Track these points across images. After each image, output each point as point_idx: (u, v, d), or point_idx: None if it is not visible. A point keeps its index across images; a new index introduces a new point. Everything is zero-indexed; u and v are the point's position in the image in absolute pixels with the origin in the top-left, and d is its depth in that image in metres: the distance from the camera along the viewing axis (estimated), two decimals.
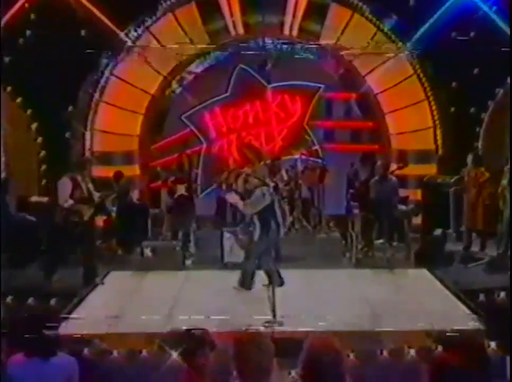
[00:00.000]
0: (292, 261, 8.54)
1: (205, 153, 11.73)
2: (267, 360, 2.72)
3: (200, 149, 11.75)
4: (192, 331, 3.29)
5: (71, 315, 6.40)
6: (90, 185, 7.65)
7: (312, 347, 2.82)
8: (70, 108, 9.96)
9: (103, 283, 7.50)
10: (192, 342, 3.22)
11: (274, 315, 6.00)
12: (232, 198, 7.56)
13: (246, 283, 7.26)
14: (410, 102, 10.51)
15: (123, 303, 6.91)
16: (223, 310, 6.52)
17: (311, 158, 11.06)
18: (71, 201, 7.19)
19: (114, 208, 9.35)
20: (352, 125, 11.86)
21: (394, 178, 9.10)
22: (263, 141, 11.71)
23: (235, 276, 7.48)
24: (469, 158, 8.94)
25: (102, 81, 10.28)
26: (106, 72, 10.28)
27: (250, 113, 11.70)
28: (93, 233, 7.66)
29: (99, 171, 10.38)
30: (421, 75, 10.37)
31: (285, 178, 10.31)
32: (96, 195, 7.55)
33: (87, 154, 10.37)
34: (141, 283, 7.91)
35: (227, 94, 11.66)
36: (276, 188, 9.33)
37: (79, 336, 5.40)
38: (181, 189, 9.21)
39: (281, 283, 7.18)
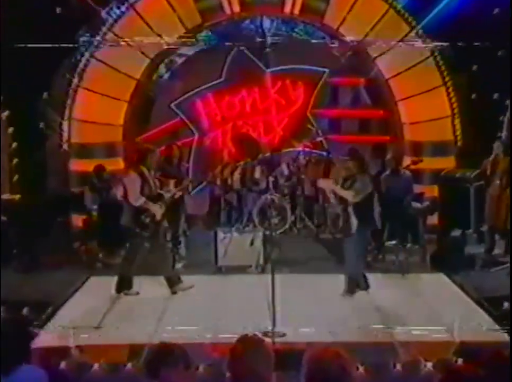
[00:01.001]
0: (293, 264, 8.56)
1: (197, 145, 11.77)
2: (265, 367, 2.72)
3: (191, 140, 11.78)
4: (161, 344, 3.20)
5: (47, 325, 6.45)
6: (156, 181, 7.65)
7: (316, 358, 2.81)
8: (44, 95, 9.93)
9: (138, 293, 7.35)
10: (158, 356, 3.10)
11: (274, 325, 6.03)
12: (325, 182, 7.64)
13: (361, 285, 7.35)
14: (425, 87, 10.51)
15: (105, 312, 6.89)
16: (217, 319, 6.54)
17: (315, 151, 11.06)
18: (142, 199, 7.08)
19: (95, 206, 9.38)
20: (360, 114, 11.90)
21: (407, 172, 9.11)
22: (261, 132, 11.74)
23: (230, 281, 7.55)
24: (497, 145, 8.92)
25: (81, 64, 10.27)
26: (86, 55, 10.25)
27: (247, 101, 11.73)
28: (164, 236, 7.50)
29: (78, 165, 10.41)
30: (438, 58, 10.40)
31: (286, 172, 10.29)
32: (169, 191, 7.44)
33: (64, 146, 10.37)
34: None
35: (221, 79, 11.69)
36: (276, 183, 9.40)
37: (55, 347, 5.44)
38: (170, 185, 9.12)
39: (367, 287, 7.31)
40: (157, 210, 7.22)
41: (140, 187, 7.10)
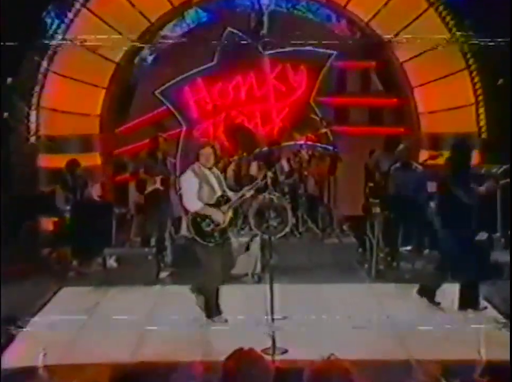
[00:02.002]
0: (295, 273, 8.54)
1: (185, 137, 11.79)
2: None
3: (179, 133, 11.81)
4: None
5: (12, 343, 6.40)
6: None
7: (319, 375, 2.77)
8: (9, 80, 9.89)
9: (226, 320, 6.97)
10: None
11: (273, 341, 6.01)
12: None
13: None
14: (446, 72, 10.59)
15: (79, 328, 6.87)
16: (207, 334, 6.55)
17: (319, 144, 11.04)
18: (200, 204, 6.81)
19: (68, 207, 9.37)
20: (371, 102, 11.94)
21: (420, 168, 9.22)
22: (258, 123, 11.75)
23: (222, 291, 7.35)
24: None
25: (52, 46, 10.28)
26: (58, 35, 10.25)
27: (242, 87, 11.77)
28: (230, 247, 7.16)
29: (48, 161, 10.46)
30: (460, 38, 10.45)
31: (287, 168, 10.26)
32: (236, 194, 7.09)
33: (32, 139, 10.40)
34: (103, 302, 7.88)
35: (213, 63, 11.73)
36: (275, 181, 9.28)
37: (21, 368, 5.42)
38: (154, 183, 9.27)
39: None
40: (220, 216, 6.81)
41: (197, 189, 6.79)
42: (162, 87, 11.62)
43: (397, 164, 9.12)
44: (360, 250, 9.42)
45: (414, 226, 9.02)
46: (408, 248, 9.09)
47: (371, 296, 8.01)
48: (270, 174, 7.35)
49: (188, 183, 6.85)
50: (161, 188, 9.26)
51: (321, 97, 11.85)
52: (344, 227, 10.44)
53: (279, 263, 7.83)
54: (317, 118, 11.13)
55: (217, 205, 6.85)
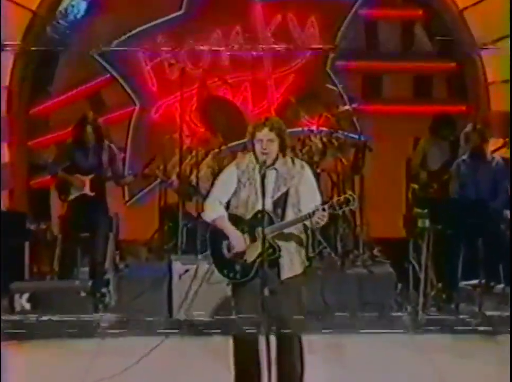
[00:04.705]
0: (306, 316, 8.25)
1: (138, 120, 11.93)
2: None
3: (128, 113, 11.92)
4: None
5: None
6: None
7: None
8: None
9: None
10: None
11: None
12: None
13: None
14: None
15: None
16: None
17: (338, 129, 10.60)
18: (222, 212, 6.51)
19: None
20: (416, 67, 11.99)
21: (499, 159, 9.32)
22: (248, 97, 11.82)
23: (194, 346, 7.84)
24: None
25: None
26: None
27: (224, 47, 11.72)
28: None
29: None
30: None
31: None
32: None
33: None
34: (13, 361, 7.71)
35: (180, 12, 11.84)
36: None
37: None
38: (81, 186, 9.38)
39: None
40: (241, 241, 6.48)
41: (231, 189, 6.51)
42: (103, 48, 11.63)
43: (464, 156, 9.25)
44: (400, 285, 9.41)
45: (484, 249, 8.92)
46: (474, 281, 9.09)
47: (416, 352, 8.03)
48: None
49: (223, 177, 6.58)
50: (90, 193, 9.37)
51: (342, 61, 11.87)
52: (375, 251, 10.42)
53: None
54: (336, 89, 11.13)
55: (252, 223, 6.45)
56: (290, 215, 6.32)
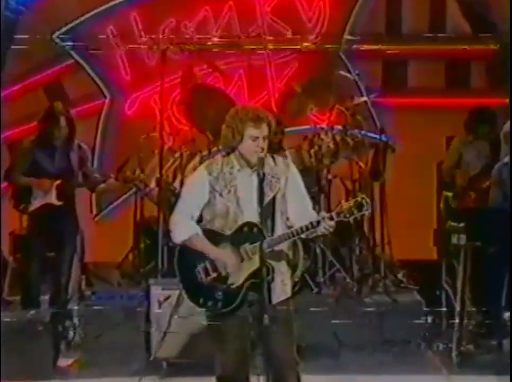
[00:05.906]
0: (313, 356, 8.42)
1: (109, 115, 12.16)
2: None
3: (98, 107, 12.13)
4: None
5: None
6: None
7: None
8: None
9: None
10: None
11: None
12: None
13: None
14: None
15: None
16: None
17: (353, 128, 10.76)
18: (195, 229, 6.61)
19: None
20: (449, 53, 12.11)
21: None
22: (243, 86, 12.02)
23: None
24: None
25: None
26: None
27: (212, 26, 12.04)
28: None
29: None
30: None
31: None
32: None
33: None
34: None
35: None
36: None
37: None
38: (45, 193, 9.43)
39: None
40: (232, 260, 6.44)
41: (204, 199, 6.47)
42: (65, 28, 11.91)
43: (507, 158, 9.20)
44: (430, 316, 9.48)
45: None
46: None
47: None
48: None
49: (191, 186, 6.56)
50: (56, 202, 9.36)
51: (358, 43, 12.02)
52: (400, 275, 10.60)
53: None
54: (351, 76, 11.14)
55: (235, 239, 6.42)
56: (279, 225, 6.29)
